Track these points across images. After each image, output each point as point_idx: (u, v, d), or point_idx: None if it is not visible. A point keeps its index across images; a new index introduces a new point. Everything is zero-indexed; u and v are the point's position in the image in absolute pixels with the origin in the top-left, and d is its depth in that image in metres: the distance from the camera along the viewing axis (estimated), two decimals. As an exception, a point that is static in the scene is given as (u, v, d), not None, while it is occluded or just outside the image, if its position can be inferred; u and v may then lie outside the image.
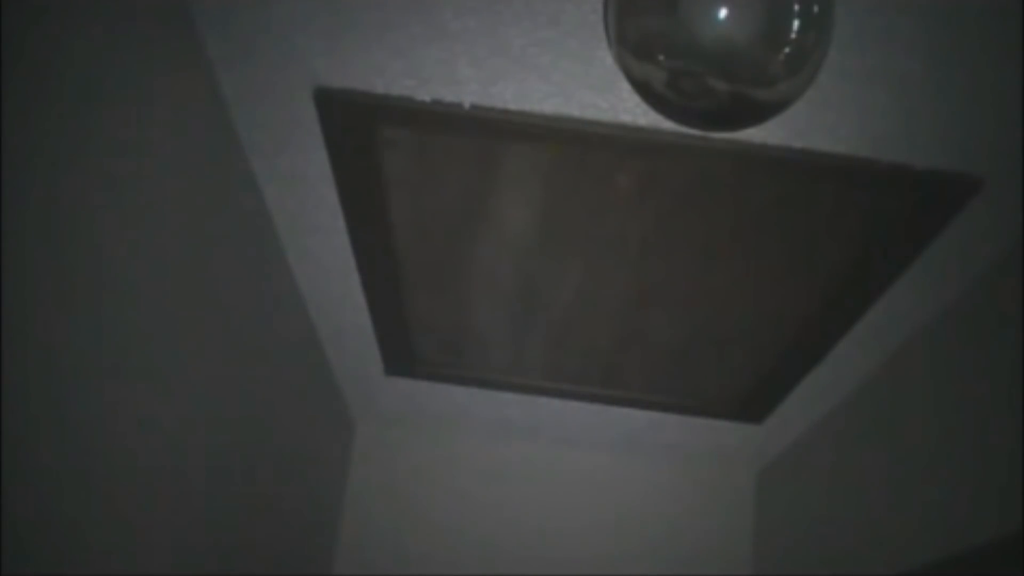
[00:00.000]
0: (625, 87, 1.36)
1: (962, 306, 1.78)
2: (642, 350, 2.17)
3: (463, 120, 1.46)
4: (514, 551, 2.87)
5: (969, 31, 1.20)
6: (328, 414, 2.55)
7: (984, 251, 1.65)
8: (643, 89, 1.04)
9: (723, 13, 0.95)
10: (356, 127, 1.50)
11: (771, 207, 1.58)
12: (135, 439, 1.32)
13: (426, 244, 1.83)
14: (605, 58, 1.32)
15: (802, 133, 1.42)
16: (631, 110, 1.41)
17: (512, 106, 1.44)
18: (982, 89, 1.30)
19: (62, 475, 1.12)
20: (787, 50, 0.97)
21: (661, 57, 0.99)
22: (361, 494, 2.90)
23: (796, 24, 0.97)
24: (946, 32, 1.21)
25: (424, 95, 1.44)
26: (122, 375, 1.25)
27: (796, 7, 0.97)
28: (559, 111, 1.44)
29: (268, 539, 2.06)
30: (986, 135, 1.39)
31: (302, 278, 2.04)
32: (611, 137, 1.45)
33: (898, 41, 1.23)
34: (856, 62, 1.27)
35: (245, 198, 1.66)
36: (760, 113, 1.03)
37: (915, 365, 1.94)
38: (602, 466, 2.96)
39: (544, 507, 2.92)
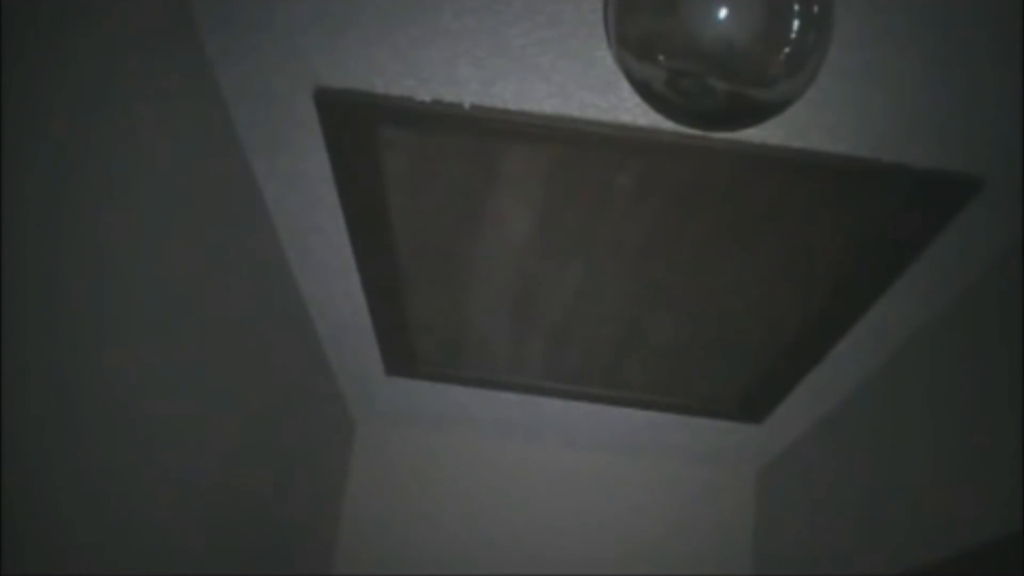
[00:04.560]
0: (625, 87, 1.37)
1: (962, 306, 1.78)
2: (642, 350, 2.17)
3: (463, 120, 1.46)
4: (514, 551, 2.87)
5: (969, 31, 1.20)
6: (328, 414, 2.55)
7: (984, 251, 1.65)
8: (643, 89, 1.04)
9: (723, 13, 0.95)
10: (356, 127, 1.50)
11: (771, 207, 1.58)
12: (134, 438, 1.32)
13: (426, 244, 1.83)
14: (605, 58, 1.32)
15: (802, 133, 1.42)
16: (631, 110, 1.41)
17: (512, 106, 1.44)
18: (982, 89, 1.30)
19: (61, 475, 1.12)
20: (787, 50, 0.97)
21: (661, 57, 0.99)
22: (361, 494, 2.90)
23: (796, 24, 0.97)
24: (946, 32, 1.21)
25: (424, 95, 1.44)
26: (121, 375, 1.25)
27: (796, 7, 0.97)
28: (559, 111, 1.44)
29: (268, 539, 2.06)
30: (986, 135, 1.39)
31: (302, 278, 2.04)
32: (611, 137, 1.45)
33: (898, 41, 1.23)
34: (856, 62, 1.27)
35: (245, 198, 1.66)
36: (760, 113, 1.03)
37: (915, 365, 1.94)
38: (602, 466, 2.96)
39: (544, 507, 2.92)
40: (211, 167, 1.49)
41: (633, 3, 1.00)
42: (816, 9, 0.97)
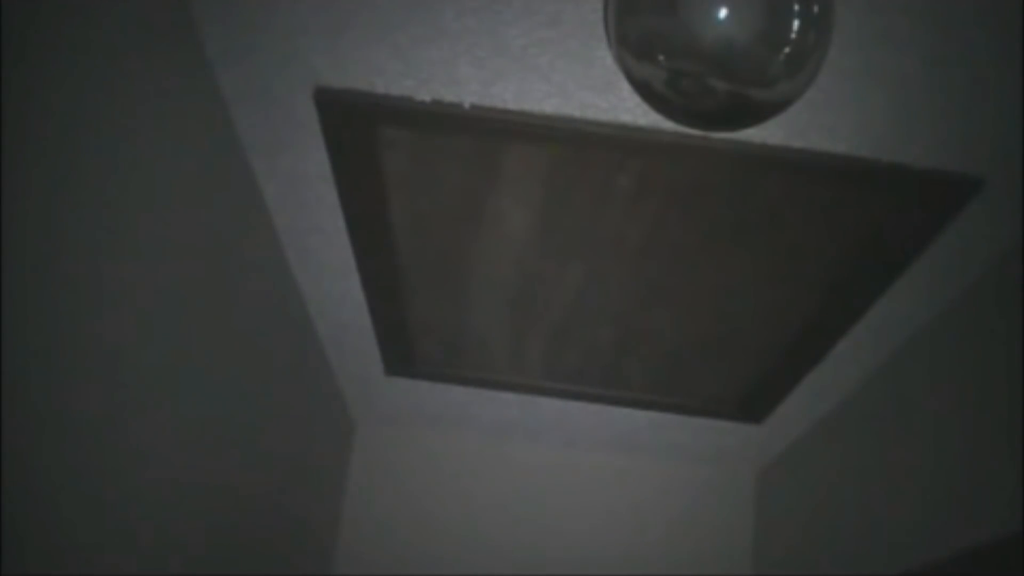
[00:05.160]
0: (625, 87, 1.37)
1: (962, 306, 1.78)
2: (642, 350, 2.17)
3: (463, 120, 1.46)
4: (514, 551, 2.87)
5: (969, 31, 1.20)
6: (328, 414, 2.55)
7: (984, 251, 1.65)
8: (643, 89, 1.04)
9: (723, 13, 0.95)
10: (356, 127, 1.50)
11: (771, 207, 1.58)
12: (134, 439, 1.32)
13: (426, 244, 1.83)
14: (605, 58, 1.32)
15: (802, 133, 1.42)
16: (631, 110, 1.41)
17: (512, 106, 1.44)
18: (982, 89, 1.30)
19: (61, 475, 1.12)
20: (787, 50, 0.97)
21: (661, 57, 0.99)
22: (361, 494, 2.90)
23: (796, 24, 0.97)
24: (946, 32, 1.21)
25: (424, 95, 1.44)
26: (121, 375, 1.25)
27: (796, 7, 0.97)
28: (559, 111, 1.44)
29: (268, 539, 2.06)
30: (986, 135, 1.39)
31: (302, 278, 2.04)
32: (611, 137, 1.45)
33: (898, 41, 1.23)
34: (856, 62, 1.27)
35: (245, 198, 1.66)
36: (760, 113, 1.03)
37: (915, 365, 1.94)
38: (602, 466, 2.96)
39: (544, 507, 2.92)
40: (211, 167, 1.49)
41: (633, 3, 1.00)
42: (816, 9, 0.97)
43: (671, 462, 2.96)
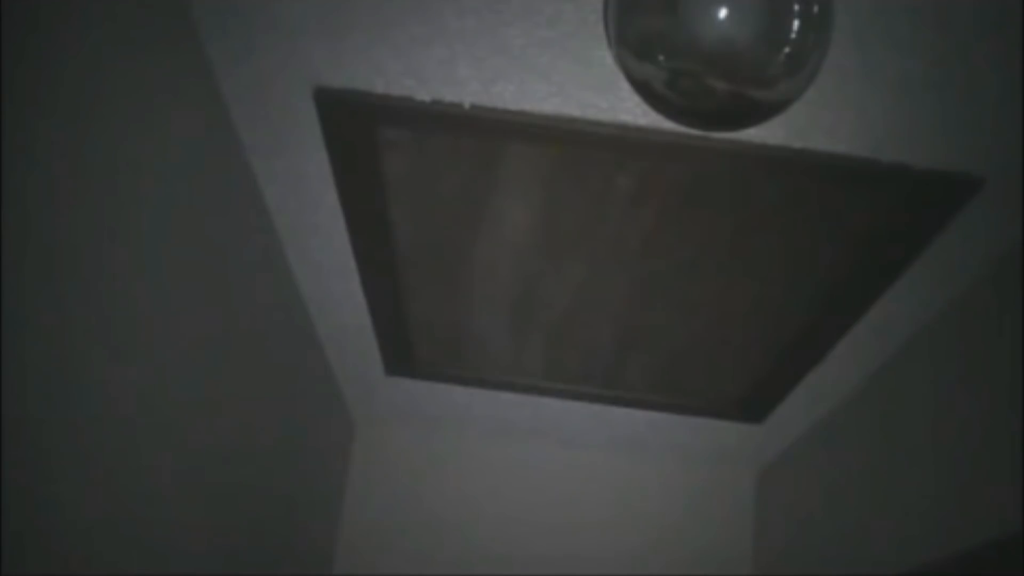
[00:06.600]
0: (625, 87, 1.37)
1: (962, 306, 1.78)
2: (642, 350, 2.17)
3: (463, 120, 1.46)
4: (514, 551, 2.87)
5: (969, 31, 1.20)
6: (328, 414, 2.55)
7: (984, 251, 1.65)
8: (643, 89, 1.04)
9: (723, 13, 0.95)
10: (356, 127, 1.50)
11: (771, 207, 1.58)
12: (133, 439, 1.32)
13: (426, 244, 1.83)
14: (605, 58, 1.32)
15: (802, 133, 1.42)
16: (631, 110, 1.41)
17: (512, 106, 1.44)
18: (982, 89, 1.30)
19: (62, 475, 1.12)
20: (787, 50, 0.97)
21: (661, 57, 0.99)
22: (361, 494, 2.90)
23: (796, 24, 0.97)
24: (946, 32, 1.21)
25: (424, 95, 1.44)
26: (121, 375, 1.25)
27: (796, 7, 0.97)
28: (559, 111, 1.44)
29: (268, 539, 2.06)
30: (986, 135, 1.39)
31: (302, 278, 2.04)
32: (611, 137, 1.45)
33: (898, 41, 1.23)
34: (856, 62, 1.27)
35: (245, 198, 1.66)
36: (760, 113, 1.03)
37: (915, 365, 1.94)
38: (602, 466, 2.96)
39: (544, 507, 2.92)
40: (211, 167, 1.49)
41: (633, 3, 1.00)
42: (816, 9, 0.97)
43: (671, 462, 2.96)
